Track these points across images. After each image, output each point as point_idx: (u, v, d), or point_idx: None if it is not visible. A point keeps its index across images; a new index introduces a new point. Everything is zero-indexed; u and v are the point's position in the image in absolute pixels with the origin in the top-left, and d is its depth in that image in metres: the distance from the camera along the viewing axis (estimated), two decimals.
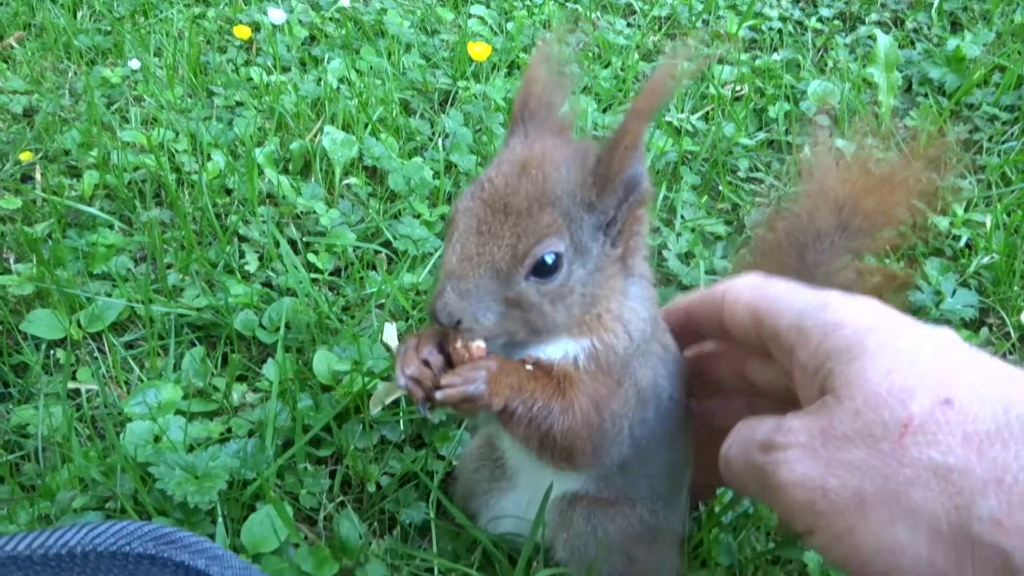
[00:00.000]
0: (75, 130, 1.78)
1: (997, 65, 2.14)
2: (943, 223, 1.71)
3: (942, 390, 0.59)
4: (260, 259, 1.54)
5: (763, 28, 2.36)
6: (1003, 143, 1.94)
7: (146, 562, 0.87)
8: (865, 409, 0.61)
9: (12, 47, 2.10)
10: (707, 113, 2.04)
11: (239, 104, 1.95)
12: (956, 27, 2.37)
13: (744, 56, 2.23)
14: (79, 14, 2.26)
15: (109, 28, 2.21)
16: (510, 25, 2.29)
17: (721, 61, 2.20)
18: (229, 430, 1.24)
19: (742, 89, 2.11)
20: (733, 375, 0.91)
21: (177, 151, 1.77)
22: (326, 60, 2.10)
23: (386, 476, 1.19)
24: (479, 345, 0.78)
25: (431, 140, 1.88)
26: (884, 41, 2.08)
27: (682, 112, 2.01)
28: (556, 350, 0.82)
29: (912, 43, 2.30)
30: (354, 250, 1.57)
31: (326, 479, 1.17)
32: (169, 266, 1.51)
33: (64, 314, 1.37)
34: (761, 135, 1.98)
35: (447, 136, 1.87)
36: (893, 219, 1.07)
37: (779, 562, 1.13)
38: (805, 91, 2.07)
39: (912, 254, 1.65)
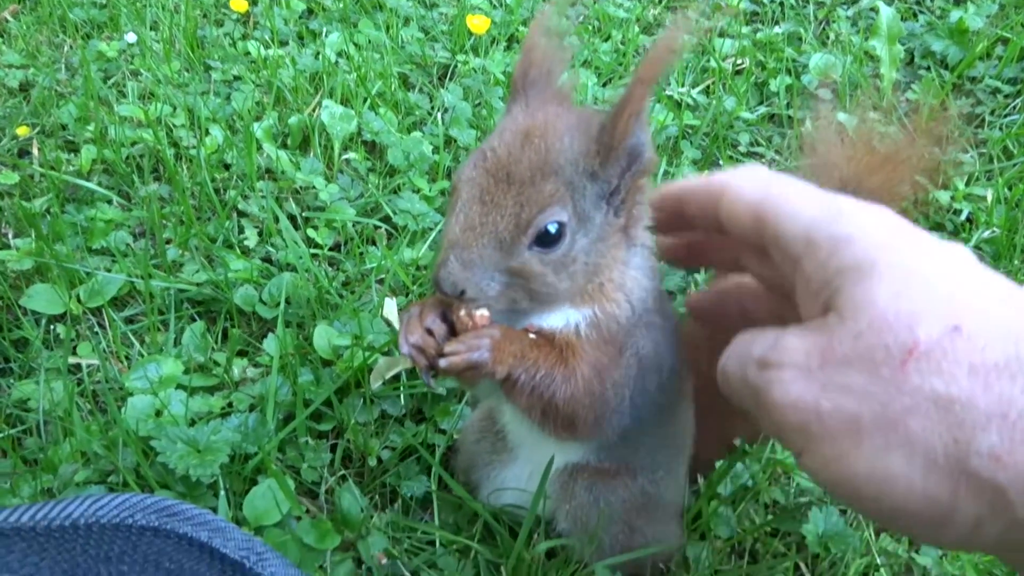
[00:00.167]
0: (72, 104, 1.77)
1: (1000, 37, 2.12)
2: (944, 197, 1.70)
3: (952, 316, 0.56)
4: (259, 234, 1.54)
5: (764, 1, 2.34)
6: (1005, 116, 1.93)
7: (149, 534, 0.88)
8: (868, 332, 0.58)
9: (7, 20, 2.08)
10: (708, 87, 2.03)
11: (237, 78, 1.93)
12: None
13: (745, 29, 2.21)
14: None
15: (104, 1, 2.19)
16: None
17: (722, 34, 2.19)
18: (230, 404, 1.24)
19: (743, 62, 2.10)
20: (726, 261, 0.87)
21: (175, 126, 1.76)
22: (324, 34, 2.09)
23: (387, 450, 1.20)
24: (483, 314, 0.78)
25: (430, 114, 1.87)
26: (886, 13, 2.06)
27: (683, 86, 2.00)
28: (558, 319, 0.82)
29: (915, 15, 2.28)
30: (354, 225, 1.56)
31: (327, 453, 1.18)
32: (168, 241, 1.51)
33: (64, 289, 1.37)
34: (762, 109, 1.97)
35: (446, 110, 1.86)
36: (897, 196, 1.07)
37: (778, 534, 1.14)
38: (807, 64, 2.06)
39: None
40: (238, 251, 1.48)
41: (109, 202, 1.57)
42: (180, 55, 1.99)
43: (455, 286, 0.74)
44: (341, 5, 2.19)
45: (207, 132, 1.73)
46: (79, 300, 1.37)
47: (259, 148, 1.69)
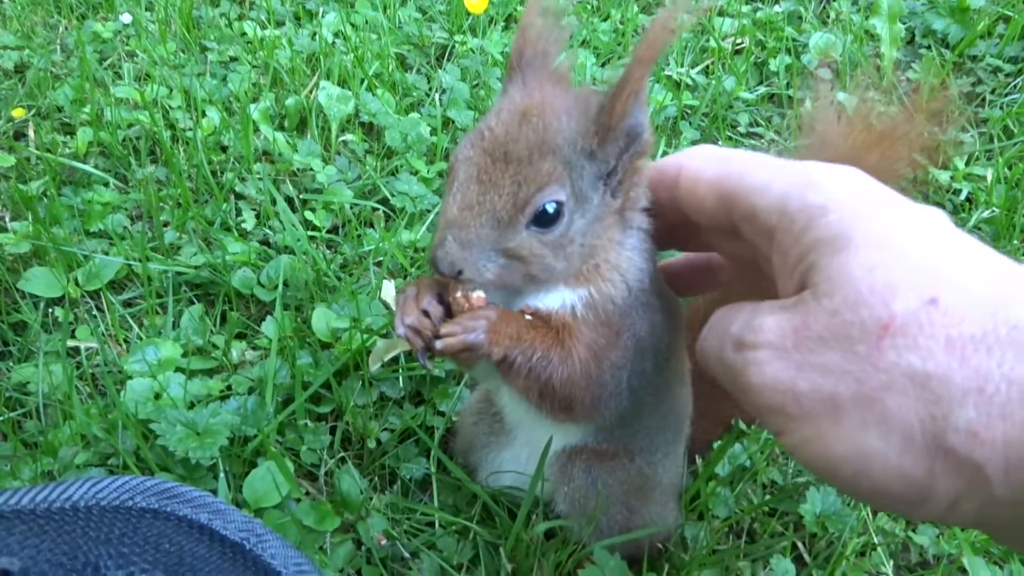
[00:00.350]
0: (67, 86, 1.76)
1: (1001, 16, 2.11)
2: (944, 177, 1.70)
3: (928, 289, 0.55)
4: (257, 217, 1.53)
5: None
6: (1006, 95, 1.92)
7: (149, 516, 0.88)
8: (843, 308, 0.57)
9: (1, 2, 2.07)
10: (707, 67, 2.01)
11: (233, 59, 1.92)
12: None
13: (745, 8, 2.19)
14: None
15: None
16: None
17: (722, 13, 2.17)
18: (229, 387, 1.24)
19: (743, 42, 2.08)
20: (694, 244, 0.86)
21: (171, 107, 1.75)
22: (320, 14, 2.07)
23: (386, 432, 1.20)
24: (479, 295, 0.78)
25: (428, 95, 1.86)
26: None
27: (682, 66, 1.99)
28: (554, 300, 0.81)
29: None
30: (351, 207, 1.56)
31: (326, 435, 1.18)
32: (166, 224, 1.50)
33: (61, 272, 1.36)
34: (762, 89, 1.96)
35: (444, 91, 1.85)
36: (894, 174, 1.06)
37: (776, 514, 1.14)
38: (807, 44, 2.05)
39: None
40: (236, 234, 1.48)
41: (106, 185, 1.57)
42: (176, 36, 1.98)
43: (452, 266, 0.74)
44: None
45: (203, 114, 1.72)
46: (77, 283, 1.37)
47: (256, 130, 1.69)
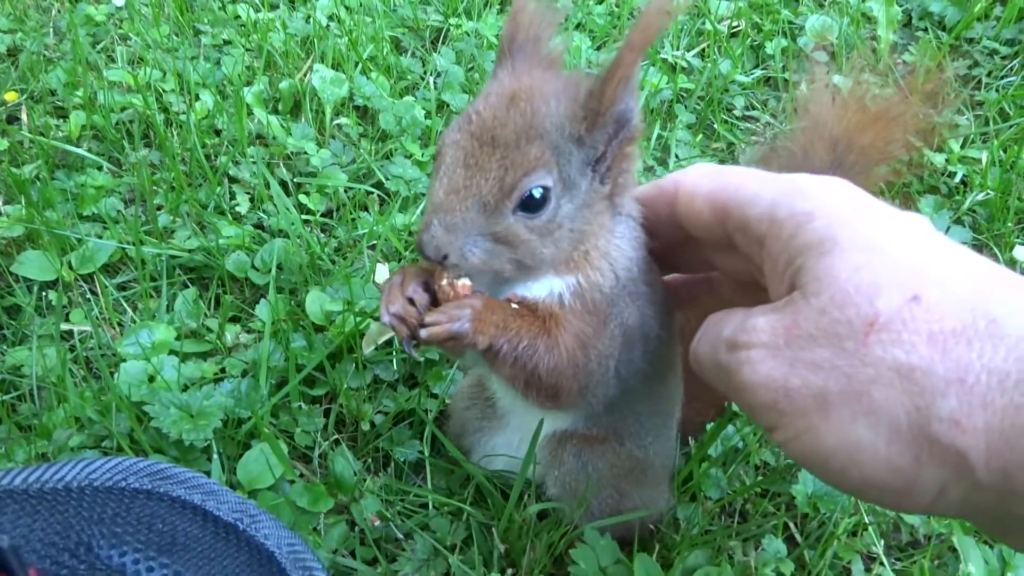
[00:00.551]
0: (60, 70, 1.75)
1: None
2: (939, 160, 1.69)
3: (911, 287, 0.58)
4: (251, 200, 1.53)
5: None
6: (1002, 78, 1.92)
7: (142, 497, 0.88)
8: (831, 307, 0.59)
9: None
10: (703, 50, 2.01)
11: (227, 43, 1.91)
12: None
13: None
14: None
15: None
16: None
17: None
18: (223, 370, 1.24)
19: (739, 24, 2.07)
20: (693, 262, 0.88)
21: (164, 91, 1.74)
22: None
23: (380, 415, 1.20)
24: (465, 283, 0.78)
25: (423, 79, 1.86)
26: None
27: (677, 49, 1.98)
28: (541, 288, 0.81)
29: None
30: (346, 191, 1.56)
31: (320, 418, 1.18)
32: (159, 207, 1.50)
33: (55, 256, 1.36)
34: (758, 72, 1.95)
35: (439, 75, 1.84)
36: (889, 156, 1.06)
37: (768, 495, 1.15)
38: (803, 26, 2.04)
39: (907, 192, 1.64)
40: (230, 217, 1.48)
41: (99, 168, 1.56)
42: (169, 19, 1.96)
43: (438, 250, 0.74)
44: None
45: (197, 97, 1.72)
46: (71, 267, 1.37)
47: (250, 113, 1.68)
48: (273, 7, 2.05)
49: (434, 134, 1.68)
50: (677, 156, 1.70)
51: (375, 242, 1.45)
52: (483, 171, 0.73)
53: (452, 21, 2.00)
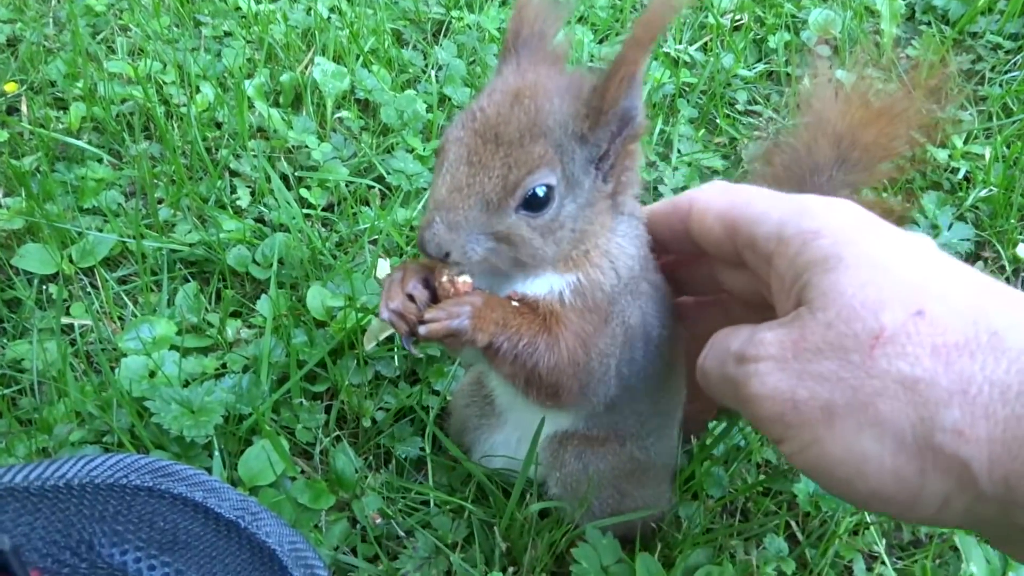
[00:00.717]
0: (60, 61, 1.74)
1: None
2: (942, 155, 1.69)
3: (915, 302, 0.59)
4: (252, 194, 1.53)
5: None
6: (1006, 73, 1.91)
7: (143, 494, 0.88)
8: (838, 321, 0.61)
9: None
10: (706, 44, 2.00)
11: (227, 34, 1.90)
12: None
13: None
14: None
15: None
16: None
17: None
18: (224, 365, 1.24)
19: (742, 18, 2.06)
20: (703, 282, 0.90)
21: (165, 83, 1.73)
22: None
23: (381, 411, 1.20)
24: (465, 280, 0.77)
25: (424, 72, 1.85)
26: None
27: (680, 43, 1.97)
28: (542, 286, 0.81)
29: None
30: (347, 185, 1.55)
31: (321, 414, 1.18)
32: (160, 201, 1.50)
33: (55, 249, 1.36)
34: (760, 66, 1.94)
35: (440, 68, 1.83)
36: (892, 152, 1.06)
37: (770, 493, 1.15)
38: (806, 20, 2.03)
39: (910, 188, 1.64)
40: (231, 211, 1.47)
41: (100, 161, 1.56)
42: (169, 10, 1.95)
43: (440, 248, 0.73)
44: None
45: (198, 89, 1.71)
46: (71, 260, 1.36)
47: (251, 106, 1.67)
48: None
49: (436, 128, 1.67)
50: (679, 151, 1.69)
51: (376, 237, 1.44)
52: (486, 169, 0.72)
53: (454, 14, 1.99)
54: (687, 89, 1.85)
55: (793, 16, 2.05)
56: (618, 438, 0.96)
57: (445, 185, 0.73)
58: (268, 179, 1.50)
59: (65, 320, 1.29)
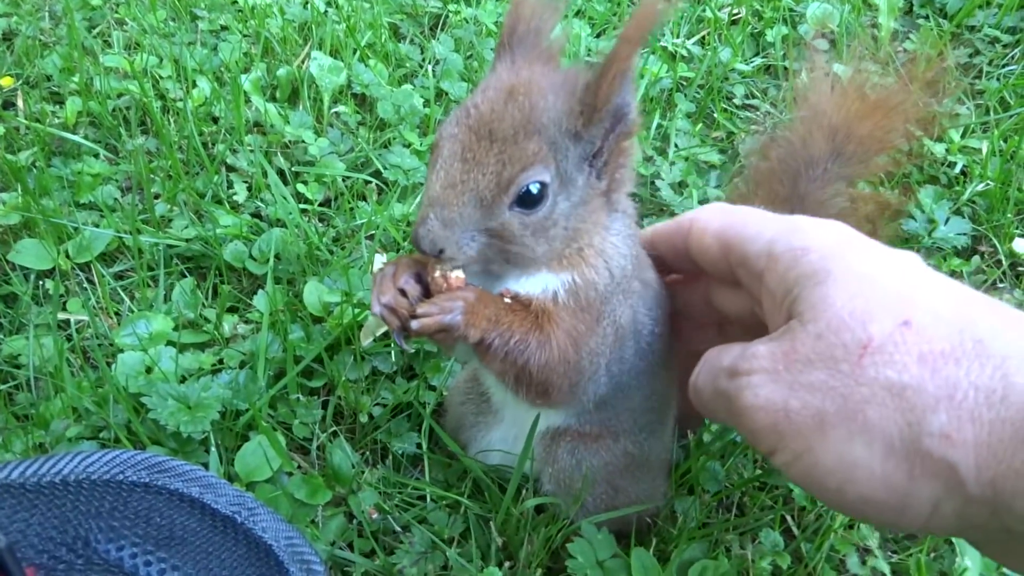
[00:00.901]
0: (56, 55, 1.74)
1: None
2: (939, 149, 1.69)
3: (902, 312, 0.61)
4: (249, 189, 1.52)
5: None
6: (1003, 67, 1.91)
7: (140, 490, 0.88)
8: (827, 332, 0.63)
9: None
10: (703, 38, 1.99)
11: (224, 28, 1.90)
12: None
13: None
14: None
15: None
16: None
17: None
18: (221, 361, 1.24)
19: (739, 12, 2.06)
20: (701, 304, 0.91)
21: (161, 77, 1.73)
22: None
23: (378, 407, 1.20)
24: (458, 275, 0.77)
25: (421, 67, 1.84)
26: None
27: (677, 37, 1.97)
28: (535, 284, 0.81)
29: None
30: (344, 180, 1.55)
31: (318, 410, 1.18)
32: (156, 196, 1.49)
33: (52, 244, 1.36)
34: (758, 60, 1.94)
35: (437, 62, 1.83)
36: (887, 145, 1.06)
37: (765, 488, 1.15)
38: (804, 14, 2.02)
39: (907, 182, 1.64)
40: (227, 206, 1.47)
41: (96, 156, 1.55)
42: (166, 4, 1.95)
43: (434, 244, 0.74)
44: None
45: (194, 84, 1.70)
46: (68, 255, 1.36)
47: (247, 101, 1.67)
48: None
49: (432, 123, 1.67)
50: (676, 145, 1.69)
51: (373, 232, 1.44)
52: (480, 166, 0.72)
53: (451, 8, 1.98)
54: (684, 83, 1.85)
55: (791, 10, 2.05)
56: (611, 434, 0.96)
57: (439, 182, 0.73)
58: (265, 174, 1.50)
59: (62, 316, 1.29)
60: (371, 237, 1.44)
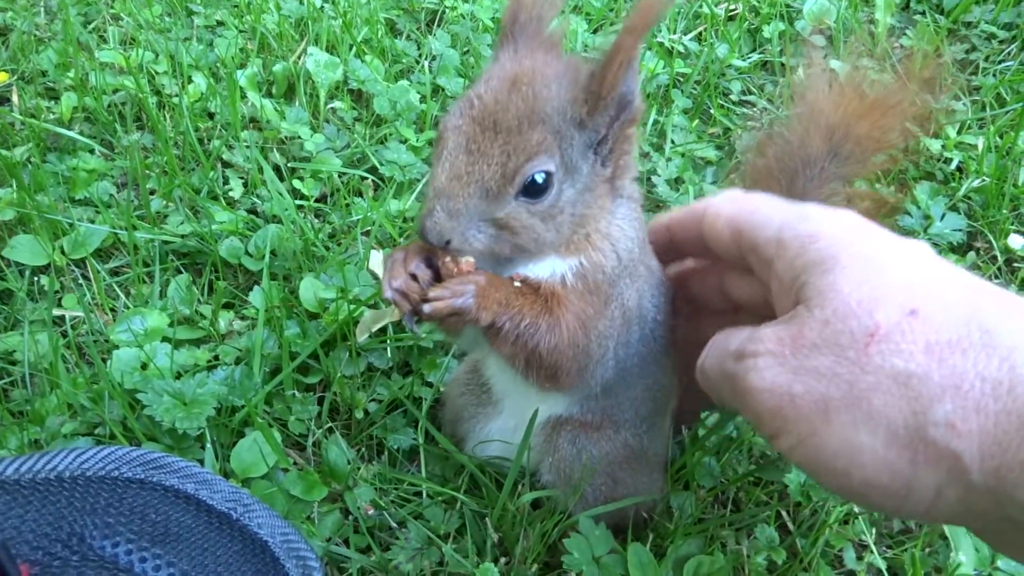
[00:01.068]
0: (51, 50, 1.73)
1: None
2: (935, 146, 1.69)
3: (909, 301, 0.61)
4: (244, 185, 1.52)
5: None
6: (999, 63, 1.91)
7: (135, 486, 0.88)
8: (834, 319, 0.63)
9: None
10: (700, 33, 1.99)
11: (220, 24, 1.89)
12: None
13: None
14: None
15: None
16: None
17: None
18: (216, 357, 1.24)
19: (736, 8, 2.06)
20: (714, 292, 0.92)
21: (157, 73, 1.73)
22: None
23: (374, 403, 1.20)
24: (468, 259, 0.78)
25: (418, 62, 1.84)
26: None
27: (674, 32, 1.97)
28: (544, 269, 0.81)
29: None
30: (340, 176, 1.54)
31: (314, 406, 1.18)
32: (152, 192, 1.49)
33: (47, 240, 1.35)
34: (755, 56, 1.94)
35: (434, 58, 1.83)
36: (885, 144, 1.06)
37: (761, 483, 1.15)
38: (801, 10, 2.02)
39: (903, 178, 1.64)
40: (223, 202, 1.47)
41: (91, 151, 1.55)
42: None
43: (441, 236, 0.74)
44: None
45: (190, 80, 1.70)
46: (63, 251, 1.36)
47: (243, 96, 1.66)
48: None
49: (429, 119, 1.67)
50: (673, 141, 1.69)
51: (369, 228, 1.44)
52: (485, 156, 0.73)
53: (448, 3, 1.98)
54: (681, 79, 1.85)
55: (788, 6, 2.05)
56: (613, 424, 0.96)
57: (444, 173, 0.74)
58: (261, 170, 1.50)
59: (57, 312, 1.28)
60: (367, 233, 1.44)
